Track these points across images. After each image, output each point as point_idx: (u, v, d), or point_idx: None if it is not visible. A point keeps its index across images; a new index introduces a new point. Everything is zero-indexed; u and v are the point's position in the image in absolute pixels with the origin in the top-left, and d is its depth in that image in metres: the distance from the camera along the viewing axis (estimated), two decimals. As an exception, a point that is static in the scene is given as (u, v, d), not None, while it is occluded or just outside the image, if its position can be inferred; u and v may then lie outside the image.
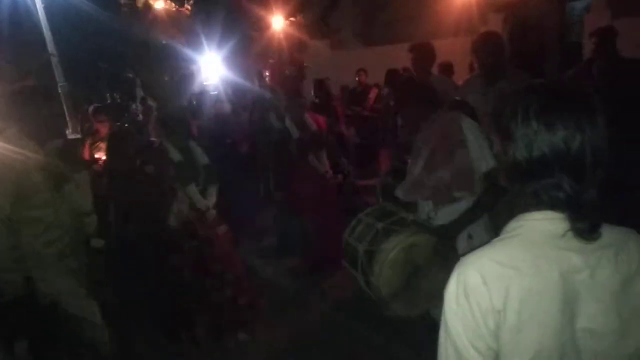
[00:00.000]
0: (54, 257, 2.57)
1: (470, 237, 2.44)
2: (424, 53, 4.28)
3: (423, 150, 2.53)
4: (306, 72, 6.51)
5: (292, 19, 12.59)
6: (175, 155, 3.45)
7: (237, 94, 6.53)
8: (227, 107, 6.29)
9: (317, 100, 6.62)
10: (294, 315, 3.87)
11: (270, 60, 5.74)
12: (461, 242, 2.45)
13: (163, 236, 3.43)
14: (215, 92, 8.12)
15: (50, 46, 8.22)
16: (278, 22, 12.19)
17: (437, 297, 2.37)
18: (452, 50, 7.14)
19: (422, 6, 10.30)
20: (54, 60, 8.29)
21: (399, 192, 2.61)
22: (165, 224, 3.46)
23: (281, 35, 11.98)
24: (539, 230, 1.04)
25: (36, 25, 8.75)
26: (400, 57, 7.31)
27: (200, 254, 3.46)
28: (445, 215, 2.49)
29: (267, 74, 4.98)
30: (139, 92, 14.38)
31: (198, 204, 3.51)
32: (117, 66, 14.23)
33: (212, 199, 3.62)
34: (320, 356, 3.30)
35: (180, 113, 3.78)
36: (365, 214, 2.58)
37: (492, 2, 9.37)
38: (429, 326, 2.76)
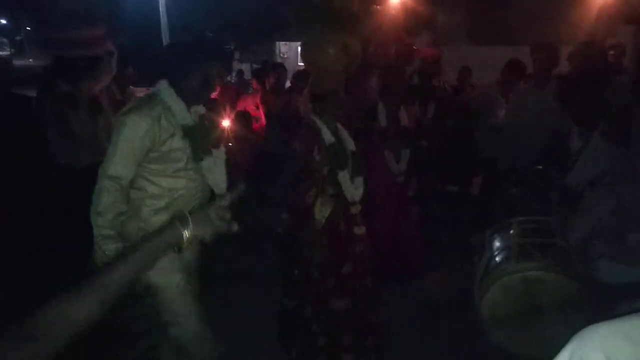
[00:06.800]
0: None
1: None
2: (550, 54, 3.94)
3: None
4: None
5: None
6: (328, 136, 2.98)
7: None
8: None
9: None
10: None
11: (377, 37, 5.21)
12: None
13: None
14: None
15: (162, 7, 8.50)
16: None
17: (552, 349, 2.02)
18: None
19: (551, 8, 9.39)
20: (164, 21, 8.54)
21: (573, 236, 2.15)
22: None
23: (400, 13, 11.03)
24: None
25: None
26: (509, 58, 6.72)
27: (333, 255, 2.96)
28: (619, 272, 2.00)
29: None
30: (236, 65, 14.73)
31: (347, 193, 3.03)
32: (222, 36, 14.33)
33: (359, 190, 3.11)
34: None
35: (335, 90, 3.22)
36: (518, 222, 2.23)
37: (627, 12, 8.42)
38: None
